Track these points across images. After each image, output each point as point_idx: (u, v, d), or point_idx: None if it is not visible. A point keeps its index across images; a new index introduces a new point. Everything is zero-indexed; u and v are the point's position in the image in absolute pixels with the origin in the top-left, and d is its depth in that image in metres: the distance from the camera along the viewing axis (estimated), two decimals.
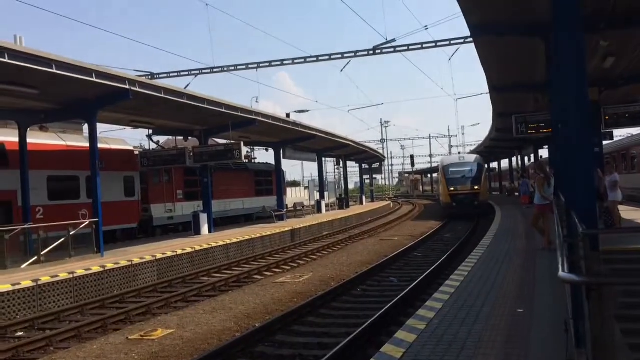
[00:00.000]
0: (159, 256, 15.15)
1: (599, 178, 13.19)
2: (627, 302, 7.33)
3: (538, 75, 15.29)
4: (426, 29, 44.49)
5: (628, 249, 9.32)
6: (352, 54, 25.61)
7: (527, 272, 9.67)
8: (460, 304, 7.39)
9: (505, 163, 56.91)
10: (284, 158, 30.93)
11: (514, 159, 48.99)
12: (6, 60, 11.36)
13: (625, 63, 14.57)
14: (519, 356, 5.16)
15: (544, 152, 35.07)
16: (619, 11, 10.94)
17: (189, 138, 23.35)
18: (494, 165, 60.04)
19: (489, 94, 20.07)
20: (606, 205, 13.01)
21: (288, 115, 31.60)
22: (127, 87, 14.65)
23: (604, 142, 22.49)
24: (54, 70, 12.49)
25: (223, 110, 19.19)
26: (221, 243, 18.18)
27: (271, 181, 34.41)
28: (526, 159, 43.92)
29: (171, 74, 27.99)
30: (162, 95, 16.01)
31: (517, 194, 36.01)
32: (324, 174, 42.54)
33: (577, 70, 5.67)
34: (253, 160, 38.25)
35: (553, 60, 10.40)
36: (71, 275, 12.33)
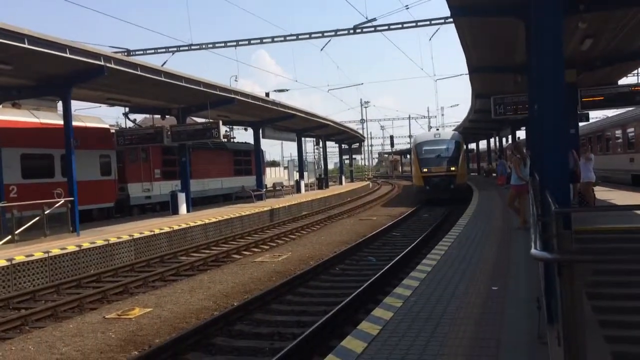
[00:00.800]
0: (137, 235, 15.03)
1: (574, 159, 13.41)
2: (598, 281, 7.53)
3: (517, 57, 15.37)
4: (407, 8, 44.48)
5: (599, 229, 9.56)
6: (333, 33, 25.41)
7: (503, 251, 9.83)
8: (437, 282, 7.50)
9: (483, 144, 57.50)
10: (263, 138, 30.77)
11: (492, 140, 49.49)
12: None
13: (603, 45, 14.70)
14: (493, 332, 5.26)
15: (521, 134, 35.47)
16: None
17: (167, 116, 23.04)
18: (473, 146, 60.60)
19: (468, 75, 20.12)
20: (579, 188, 13.26)
21: (267, 94, 31.33)
22: (102, 63, 14.35)
23: (580, 124, 22.81)
24: (26, 45, 12.16)
25: (201, 89, 18.96)
26: (199, 222, 18.10)
27: (250, 161, 34.22)
28: (504, 140, 44.41)
29: (148, 51, 27.49)
30: (139, 73, 15.73)
31: (494, 174, 36.45)
32: (304, 154, 42.49)
33: (554, 52, 5.69)
34: (232, 140, 37.97)
35: (531, 41, 10.44)
36: (46, 255, 12.18)
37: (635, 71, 18.64)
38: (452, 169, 28.63)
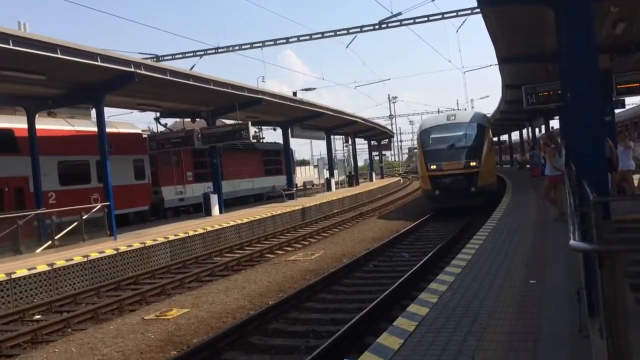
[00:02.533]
0: (172, 238, 15.28)
1: (609, 147, 13.04)
2: None
3: (548, 45, 15.03)
4: (432, 0, 43.84)
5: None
6: (358, 29, 25.30)
7: (539, 243, 9.64)
8: (472, 277, 7.40)
9: (515, 135, 56.51)
10: (292, 137, 30.86)
11: (524, 131, 48.60)
12: (10, 46, 11.37)
13: (636, 29, 14.28)
14: (532, 326, 5.17)
15: (554, 123, 34.68)
16: None
17: (197, 119, 23.35)
18: (505, 137, 59.56)
19: (498, 66, 19.79)
20: (615, 178, 12.89)
21: (295, 94, 31.44)
22: (133, 70, 14.63)
23: (616, 111, 22.19)
24: (59, 55, 12.48)
25: (229, 91, 19.14)
26: (232, 223, 18.28)
27: (280, 160, 34.41)
28: (537, 130, 43.54)
29: (176, 56, 27.88)
30: (168, 77, 15.98)
31: (528, 166, 35.75)
32: (333, 152, 42.47)
33: (585, 37, 5.55)
34: (261, 140, 38.22)
35: (562, 28, 10.21)
36: (86, 259, 12.48)
37: None
38: (473, 164, 20.14)
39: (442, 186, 20.25)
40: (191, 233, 16.13)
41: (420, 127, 23.73)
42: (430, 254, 12.33)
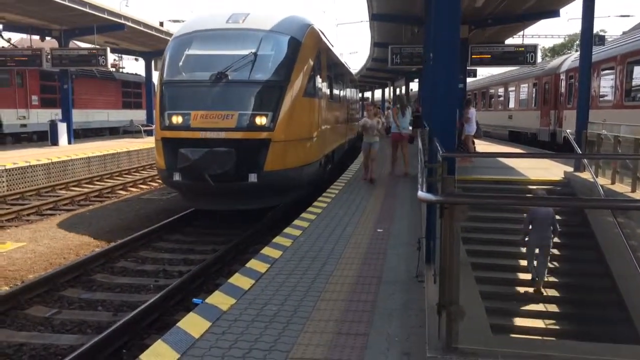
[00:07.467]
0: (9, 166, 13.83)
1: (458, 112, 14.12)
2: (473, 227, 8.10)
3: (416, 8, 15.62)
4: None
5: (479, 179, 10.34)
6: None
7: (389, 196, 10.24)
8: (326, 224, 7.68)
9: (379, 94, 58.88)
10: (155, 70, 29.14)
11: (387, 90, 50.82)
12: None
13: (495, 4, 15.31)
14: (375, 271, 5.51)
15: (414, 85, 36.62)
16: None
17: (47, 38, 21.00)
18: (369, 94, 61.80)
19: (369, 22, 20.19)
20: (462, 139, 14.05)
21: (162, 24, 29.52)
22: None
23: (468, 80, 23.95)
24: None
25: (87, 10, 17.40)
26: (82, 156, 16.99)
27: (141, 94, 32.44)
28: (397, 90, 45.73)
29: None
30: None
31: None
32: None
33: (451, 5, 5.81)
34: (121, 70, 35.66)
35: None
36: None
37: (521, 32, 19.68)
38: (260, 122, 9.46)
39: (188, 165, 9.15)
40: (33, 162, 14.73)
41: (175, 33, 11.41)
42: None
